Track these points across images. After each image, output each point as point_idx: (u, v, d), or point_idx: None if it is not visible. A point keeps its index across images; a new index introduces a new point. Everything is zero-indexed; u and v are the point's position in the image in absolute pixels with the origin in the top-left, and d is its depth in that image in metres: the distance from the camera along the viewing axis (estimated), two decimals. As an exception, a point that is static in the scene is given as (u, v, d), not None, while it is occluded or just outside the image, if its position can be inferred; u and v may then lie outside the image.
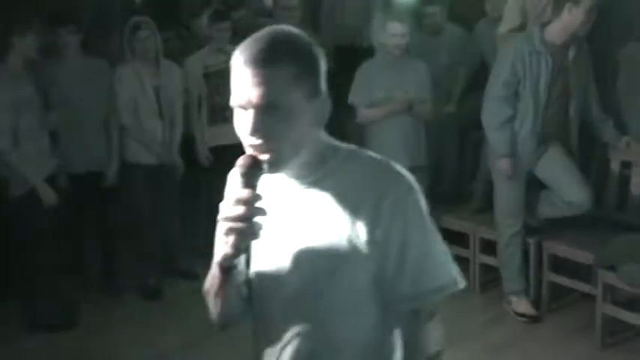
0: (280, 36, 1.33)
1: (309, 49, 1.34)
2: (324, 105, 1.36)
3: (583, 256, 3.80)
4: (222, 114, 4.51)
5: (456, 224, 4.44)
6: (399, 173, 1.39)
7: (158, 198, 4.49)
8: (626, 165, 4.01)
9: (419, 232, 1.37)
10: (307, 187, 1.39)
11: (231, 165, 1.37)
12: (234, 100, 1.32)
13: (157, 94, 4.33)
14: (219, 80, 4.51)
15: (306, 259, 1.38)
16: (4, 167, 3.86)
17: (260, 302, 1.45)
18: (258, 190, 1.31)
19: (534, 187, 4.03)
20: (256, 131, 1.29)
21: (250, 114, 1.30)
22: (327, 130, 1.41)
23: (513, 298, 4.06)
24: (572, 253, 3.87)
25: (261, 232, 1.30)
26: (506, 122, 3.82)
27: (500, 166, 3.91)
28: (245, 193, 1.29)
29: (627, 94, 4.05)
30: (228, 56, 1.38)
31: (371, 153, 1.44)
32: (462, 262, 4.47)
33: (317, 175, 1.39)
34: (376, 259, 1.35)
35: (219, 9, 4.69)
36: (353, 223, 1.35)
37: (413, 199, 1.37)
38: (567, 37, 3.76)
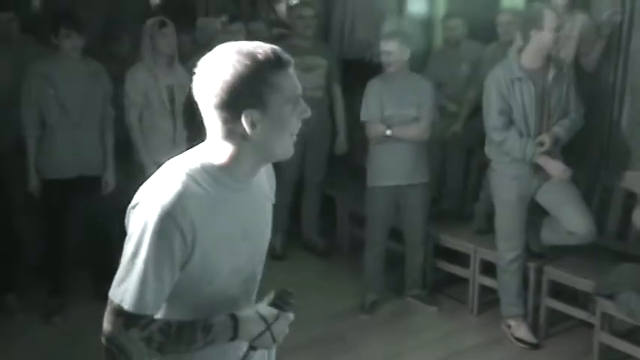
0: None
1: None
2: None
3: (583, 284, 3.79)
4: None
5: (456, 244, 4.43)
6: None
7: None
8: (629, 195, 3.99)
9: None
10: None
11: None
12: None
13: (171, 93, 4.22)
14: None
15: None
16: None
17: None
18: None
19: (539, 212, 4.02)
20: None
21: None
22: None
23: (512, 323, 4.04)
24: (573, 280, 3.85)
25: None
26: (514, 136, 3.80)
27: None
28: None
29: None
30: None
31: None
32: (461, 282, 4.47)
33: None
34: None
35: (233, 13, 4.69)
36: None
37: None
38: (542, 60, 3.77)
